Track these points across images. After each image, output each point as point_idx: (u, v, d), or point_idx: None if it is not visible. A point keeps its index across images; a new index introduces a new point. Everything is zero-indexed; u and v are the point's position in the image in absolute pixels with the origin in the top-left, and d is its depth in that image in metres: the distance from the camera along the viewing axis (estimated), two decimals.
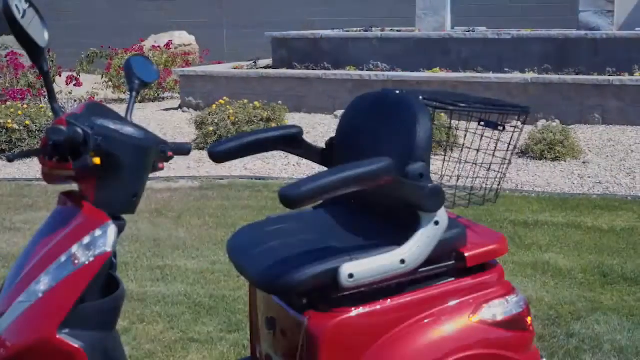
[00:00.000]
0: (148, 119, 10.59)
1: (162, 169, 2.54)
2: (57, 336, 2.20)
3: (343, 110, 9.49)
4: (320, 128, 9.48)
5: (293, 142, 2.92)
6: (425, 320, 2.47)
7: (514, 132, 2.71)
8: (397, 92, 2.79)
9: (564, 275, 4.58)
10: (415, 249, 2.41)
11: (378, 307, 2.44)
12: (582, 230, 5.49)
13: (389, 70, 10.74)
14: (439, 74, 10.24)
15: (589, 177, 7.07)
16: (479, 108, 2.68)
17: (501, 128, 2.73)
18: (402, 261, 2.40)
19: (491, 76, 9.83)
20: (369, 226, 2.64)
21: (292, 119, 9.71)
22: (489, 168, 2.74)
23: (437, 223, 2.44)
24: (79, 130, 2.21)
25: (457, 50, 10.73)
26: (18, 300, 2.25)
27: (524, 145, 7.77)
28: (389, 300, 2.45)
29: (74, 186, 2.42)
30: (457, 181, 2.79)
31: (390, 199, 2.59)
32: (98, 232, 2.26)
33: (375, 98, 2.80)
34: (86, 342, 2.25)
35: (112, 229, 2.27)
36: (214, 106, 8.66)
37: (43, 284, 2.23)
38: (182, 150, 2.64)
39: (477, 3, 14.92)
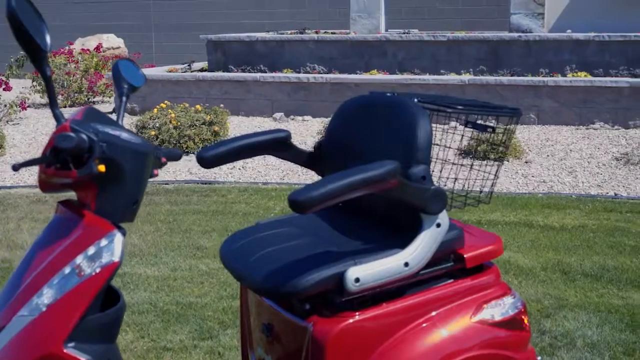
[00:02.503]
0: None
1: (156, 175, 2.48)
2: (64, 350, 2.13)
3: (282, 113, 9.47)
4: None
5: (282, 146, 2.89)
6: (429, 322, 2.47)
7: (505, 133, 2.73)
8: (389, 94, 2.80)
9: (525, 273, 4.66)
10: (418, 251, 2.42)
11: (382, 310, 2.43)
12: (535, 229, 5.59)
13: (327, 73, 10.77)
14: (377, 76, 10.31)
15: (532, 176, 7.21)
16: (475, 110, 2.69)
17: (490, 130, 2.76)
18: (406, 264, 2.40)
19: (429, 78, 9.94)
20: (364, 229, 2.63)
21: (232, 122, 9.63)
22: (485, 170, 2.77)
23: (438, 225, 2.45)
24: (84, 136, 2.14)
25: (394, 53, 10.82)
26: (19, 314, 2.17)
27: (466, 147, 7.88)
28: (392, 303, 2.45)
29: (64, 194, 2.35)
30: (455, 184, 2.80)
31: (384, 201, 2.59)
32: (104, 242, 2.19)
33: (367, 101, 2.79)
34: (92, 355, 2.19)
35: (118, 238, 2.21)
36: (155, 110, 8.52)
37: (46, 296, 2.16)
38: (174, 155, 2.59)
39: (407, 5, 15.10)
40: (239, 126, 9.64)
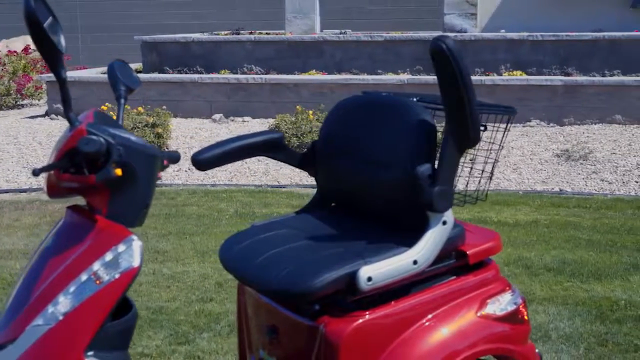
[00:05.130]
0: (15, 127, 10.10)
1: (159, 178, 2.45)
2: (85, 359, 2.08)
3: (221, 114, 9.38)
4: (202, 133, 9.35)
5: (275, 147, 2.87)
6: (436, 319, 2.49)
7: (505, 130, 2.79)
8: (384, 94, 2.82)
9: None
10: (426, 249, 2.44)
11: (391, 309, 2.44)
12: (489, 225, 5.68)
13: (265, 73, 10.74)
14: (317, 76, 10.34)
15: (478, 174, 7.32)
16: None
17: (483, 128, 2.80)
18: (415, 262, 2.42)
19: (368, 78, 10.03)
20: (364, 229, 2.64)
21: (171, 124, 9.51)
22: (483, 169, 2.81)
23: (444, 223, 2.48)
24: (102, 140, 2.10)
25: (331, 53, 10.86)
26: (33, 324, 2.11)
27: None
28: (400, 301, 2.47)
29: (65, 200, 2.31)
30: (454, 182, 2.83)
31: (382, 200, 2.61)
32: (121, 247, 2.15)
33: (363, 101, 2.80)
34: None
35: (137, 242, 2.18)
36: None
37: (63, 305, 2.10)
38: (174, 158, 2.56)
39: (337, 6, 15.17)
40: (178, 128, 9.53)
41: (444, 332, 2.49)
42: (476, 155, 2.82)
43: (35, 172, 2.04)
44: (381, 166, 2.57)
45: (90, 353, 2.11)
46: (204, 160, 2.73)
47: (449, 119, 2.43)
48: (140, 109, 8.52)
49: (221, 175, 7.62)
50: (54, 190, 2.22)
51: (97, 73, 11.24)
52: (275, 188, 7.08)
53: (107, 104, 8.77)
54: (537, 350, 2.76)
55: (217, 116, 10.09)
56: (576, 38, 10.10)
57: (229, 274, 4.65)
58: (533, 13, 11.20)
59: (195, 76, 10.51)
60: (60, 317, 2.09)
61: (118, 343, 2.21)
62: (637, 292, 4.33)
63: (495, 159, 2.85)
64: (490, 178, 2.85)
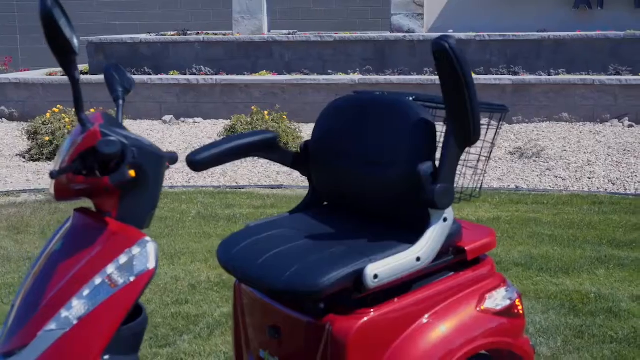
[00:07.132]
0: None
1: None
2: None
3: (171, 116, 9.29)
4: (155, 135, 9.26)
5: (270, 148, 2.87)
6: (439, 315, 2.53)
7: (496, 129, 2.84)
8: (378, 93, 2.84)
9: None
10: (428, 245, 2.47)
11: (395, 305, 2.47)
12: None
13: (214, 74, 10.69)
14: (268, 76, 10.33)
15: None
16: None
17: None
18: (418, 258, 2.45)
19: (319, 78, 10.05)
20: (364, 227, 2.66)
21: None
22: (476, 166, 2.86)
23: (445, 220, 2.52)
24: (117, 141, 2.08)
25: (281, 53, 10.87)
26: (46, 329, 2.07)
27: None
28: (403, 298, 2.50)
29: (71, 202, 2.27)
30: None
31: (381, 199, 2.64)
32: (136, 250, 2.13)
33: (357, 101, 2.82)
34: None
35: (151, 244, 2.15)
36: (48, 114, 8.22)
37: (77, 309, 2.07)
38: (173, 159, 2.54)
39: (285, 6, 15.17)
40: (129, 129, 9.41)
41: (446, 328, 2.53)
42: (469, 153, 2.86)
43: (53, 175, 2.01)
44: (381, 165, 2.60)
45: (106, 357, 2.08)
46: (201, 161, 2.71)
47: (450, 117, 2.46)
48: (93, 110, 8.39)
49: (178, 177, 7.56)
50: (63, 193, 2.18)
51: (43, 74, 11.03)
52: (234, 189, 7.05)
53: (59, 105, 8.63)
54: (531, 344, 2.82)
55: (167, 117, 10.01)
56: (523, 38, 10.29)
57: (201, 276, 4.69)
58: (478, 13, 11.37)
59: (145, 77, 10.40)
60: (75, 322, 2.06)
61: (131, 346, 2.19)
62: (604, 285, 4.44)
63: (487, 156, 2.90)
64: (483, 175, 2.89)
